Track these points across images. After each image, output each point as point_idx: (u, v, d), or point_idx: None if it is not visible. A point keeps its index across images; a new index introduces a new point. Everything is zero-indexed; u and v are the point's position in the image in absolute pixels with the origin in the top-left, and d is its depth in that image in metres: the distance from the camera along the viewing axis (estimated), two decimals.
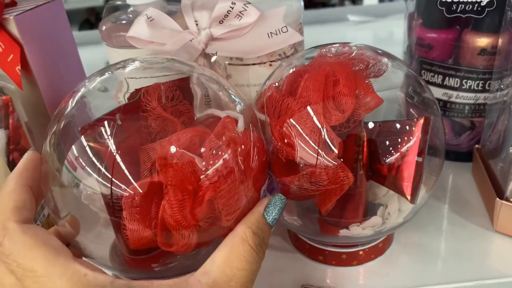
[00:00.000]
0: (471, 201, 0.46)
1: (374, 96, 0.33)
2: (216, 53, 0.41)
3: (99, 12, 2.63)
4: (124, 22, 0.45)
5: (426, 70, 0.49)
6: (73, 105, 0.33)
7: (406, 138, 0.34)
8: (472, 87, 0.47)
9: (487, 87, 0.47)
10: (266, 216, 0.30)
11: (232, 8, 0.40)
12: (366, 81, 0.33)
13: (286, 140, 0.34)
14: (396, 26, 0.79)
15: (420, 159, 0.34)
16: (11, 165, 0.40)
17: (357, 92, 0.32)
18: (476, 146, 0.48)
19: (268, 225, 0.29)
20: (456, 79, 0.48)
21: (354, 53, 0.36)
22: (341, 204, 0.36)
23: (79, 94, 0.33)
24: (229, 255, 0.27)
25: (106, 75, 0.34)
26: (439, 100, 0.49)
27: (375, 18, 1.15)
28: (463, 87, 0.48)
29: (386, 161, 0.35)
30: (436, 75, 0.49)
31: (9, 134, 0.41)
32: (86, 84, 0.34)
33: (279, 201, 0.30)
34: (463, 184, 0.49)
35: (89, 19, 2.65)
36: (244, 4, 0.40)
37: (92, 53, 0.72)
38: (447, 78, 0.48)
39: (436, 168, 0.38)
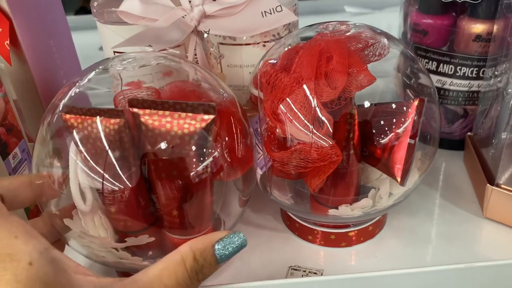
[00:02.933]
0: (462, 188, 0.46)
1: (367, 74, 0.32)
2: (208, 31, 0.40)
3: None
4: None
5: (421, 56, 0.49)
6: (70, 97, 0.34)
7: (399, 119, 0.34)
8: (466, 74, 0.47)
9: (481, 75, 0.47)
10: (216, 249, 0.28)
11: None
12: (360, 59, 0.33)
13: (277, 115, 0.34)
14: (393, 19, 0.79)
15: (412, 141, 0.33)
16: None
17: (350, 69, 0.32)
18: (469, 133, 0.48)
19: (214, 258, 0.27)
20: (451, 66, 0.47)
21: (352, 32, 0.36)
22: (331, 183, 0.36)
23: (75, 87, 0.34)
24: (163, 270, 0.26)
25: (102, 69, 0.35)
26: None
27: (371, 10, 1.15)
28: (457, 74, 0.47)
29: (380, 142, 0.35)
30: (430, 62, 0.48)
31: None
32: (83, 78, 0.35)
33: (237, 240, 0.28)
34: (455, 171, 0.49)
35: (84, 7, 2.62)
36: None
37: (86, 38, 0.71)
38: (441, 65, 0.48)
39: (430, 151, 0.38)
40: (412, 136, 0.34)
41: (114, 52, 0.44)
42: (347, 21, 0.37)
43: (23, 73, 0.48)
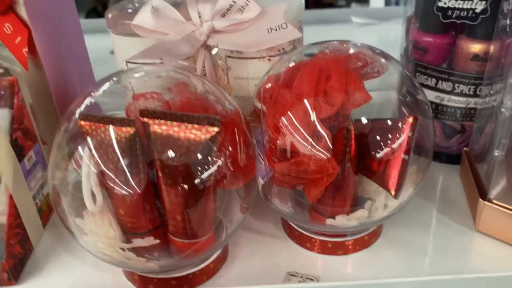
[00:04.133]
0: (457, 202, 0.48)
1: (364, 93, 0.34)
2: (217, 45, 0.43)
3: (106, 1, 2.64)
4: (130, 10, 0.47)
5: (421, 73, 0.51)
6: (85, 106, 0.37)
7: (394, 135, 0.36)
8: (464, 92, 0.49)
9: (478, 92, 0.48)
10: None
11: (235, 2, 0.42)
12: (358, 79, 0.35)
13: (278, 129, 0.36)
14: (399, 30, 0.80)
15: (406, 157, 0.35)
16: (14, 143, 0.41)
17: (347, 87, 0.34)
18: (465, 149, 0.50)
19: None
20: (449, 83, 0.49)
21: (351, 51, 0.38)
22: (329, 194, 0.38)
23: (91, 97, 0.37)
24: None
25: (115, 81, 0.37)
26: (431, 102, 0.51)
27: (378, 21, 1.17)
28: (455, 91, 0.49)
29: (375, 156, 0.37)
30: (429, 78, 0.50)
31: (14, 114, 0.42)
32: (98, 88, 0.37)
33: None
34: (451, 185, 0.51)
35: (96, 8, 2.66)
36: (246, 0, 0.42)
37: (98, 41, 0.73)
38: (440, 82, 0.49)
39: (424, 166, 0.40)
40: (406, 152, 0.35)
41: (127, 62, 0.46)
42: (349, 41, 0.39)
43: (39, 79, 0.51)
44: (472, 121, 0.50)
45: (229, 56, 0.46)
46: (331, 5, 2.67)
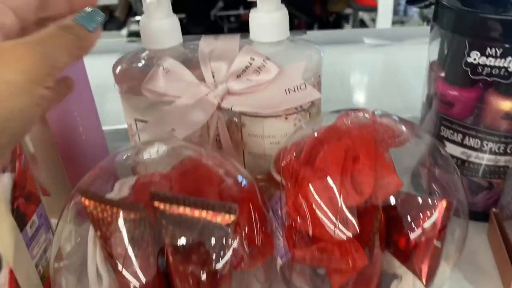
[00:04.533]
0: (485, 267, 0.45)
1: (394, 178, 0.31)
2: (231, 108, 0.40)
3: (113, 10, 2.63)
4: (139, 65, 0.44)
5: (446, 127, 0.48)
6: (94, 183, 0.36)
7: (426, 218, 0.33)
8: (493, 150, 0.46)
9: (508, 151, 0.45)
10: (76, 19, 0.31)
11: (251, 64, 0.39)
12: (387, 161, 0.32)
13: (299, 212, 0.33)
14: (412, 51, 0.77)
15: (439, 244, 0.32)
16: (16, 213, 0.39)
17: (377, 173, 0.31)
18: (494, 210, 0.47)
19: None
20: (477, 140, 0.46)
21: (375, 123, 0.35)
22: (354, 279, 0.35)
23: (102, 172, 0.35)
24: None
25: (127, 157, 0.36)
26: (457, 158, 0.48)
27: (391, 42, 1.14)
28: (483, 149, 0.46)
29: (404, 237, 0.34)
30: (455, 133, 0.47)
31: (15, 179, 0.40)
32: (109, 162, 0.36)
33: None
34: (477, 246, 0.48)
35: None
36: (263, 60, 0.39)
37: (99, 63, 0.67)
38: (467, 138, 0.47)
39: (459, 245, 0.37)
40: (438, 237, 0.33)
41: (136, 119, 0.44)
42: (367, 109, 0.36)
43: (44, 134, 0.49)
44: (500, 179, 0.47)
45: (242, 114, 0.44)
46: (337, 13, 2.64)
